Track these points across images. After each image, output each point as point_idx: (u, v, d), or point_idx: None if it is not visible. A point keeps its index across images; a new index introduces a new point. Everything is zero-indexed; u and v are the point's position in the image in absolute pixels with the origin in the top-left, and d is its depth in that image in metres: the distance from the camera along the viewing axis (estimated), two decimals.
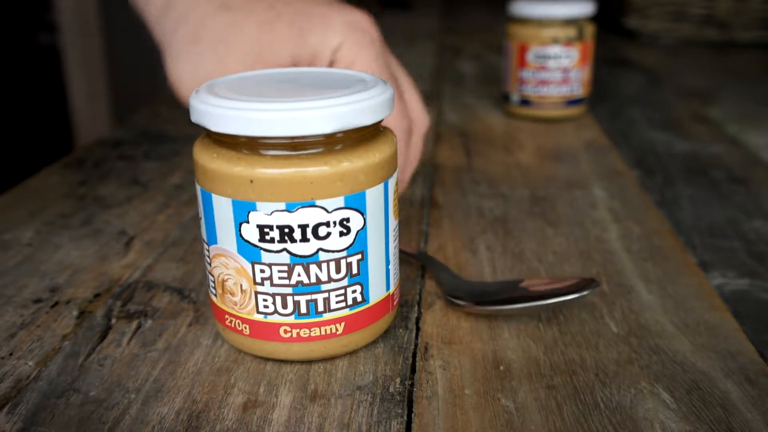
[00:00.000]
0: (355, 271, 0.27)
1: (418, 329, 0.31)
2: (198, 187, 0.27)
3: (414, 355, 0.29)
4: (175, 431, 0.25)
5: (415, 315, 0.32)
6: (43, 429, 0.25)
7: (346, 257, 0.27)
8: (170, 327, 0.31)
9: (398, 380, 0.27)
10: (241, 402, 0.26)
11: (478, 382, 0.27)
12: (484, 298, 0.28)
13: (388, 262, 0.29)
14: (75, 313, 0.32)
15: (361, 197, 0.27)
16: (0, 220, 0.42)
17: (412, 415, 0.25)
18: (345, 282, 0.27)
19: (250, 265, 0.27)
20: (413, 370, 0.28)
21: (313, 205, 0.26)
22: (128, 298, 0.33)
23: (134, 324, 0.31)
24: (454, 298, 0.28)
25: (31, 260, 0.37)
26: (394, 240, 0.29)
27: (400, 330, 0.31)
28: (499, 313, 0.27)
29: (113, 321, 0.31)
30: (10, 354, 0.29)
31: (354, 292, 0.28)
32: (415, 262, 0.36)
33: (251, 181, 0.25)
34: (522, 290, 0.29)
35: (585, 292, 0.26)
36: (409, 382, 0.27)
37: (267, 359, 0.29)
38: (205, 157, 0.27)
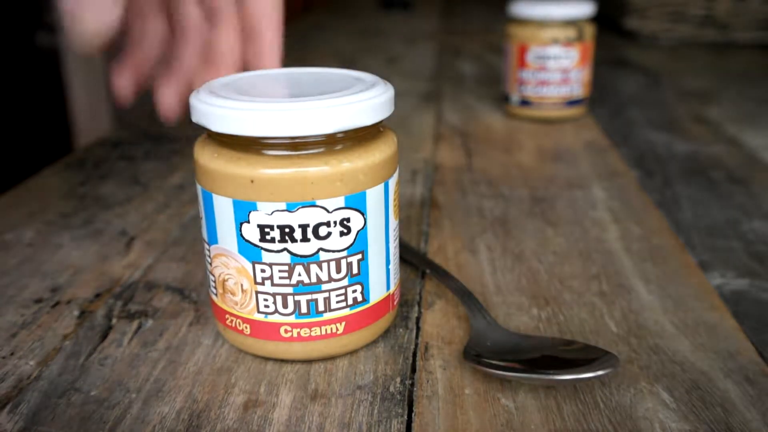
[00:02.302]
0: (355, 270, 0.27)
1: (418, 329, 0.31)
2: (199, 187, 0.28)
3: (414, 354, 0.29)
4: (176, 431, 0.25)
5: (416, 315, 0.32)
6: (44, 428, 0.25)
7: (346, 257, 0.27)
8: (171, 327, 0.31)
9: (398, 380, 0.27)
10: (242, 402, 0.26)
11: (478, 381, 0.27)
12: (504, 357, 0.27)
13: (388, 262, 0.29)
14: (76, 312, 0.32)
15: (362, 197, 0.27)
16: (0, 220, 0.42)
17: (413, 414, 0.25)
18: (345, 282, 0.27)
19: (250, 265, 0.27)
20: (413, 369, 0.28)
21: (314, 205, 0.26)
22: (129, 298, 0.33)
23: (135, 324, 0.31)
24: (474, 354, 0.28)
25: (31, 260, 0.37)
26: (395, 240, 0.29)
27: (401, 330, 0.31)
28: (509, 378, 0.27)
29: (114, 321, 0.31)
30: (11, 354, 0.29)
31: (354, 291, 0.28)
32: (416, 266, 0.36)
33: (252, 181, 0.25)
34: (538, 353, 0.28)
35: (601, 372, 0.25)
36: (410, 382, 0.27)
37: (267, 359, 0.29)
38: (206, 157, 0.27)
